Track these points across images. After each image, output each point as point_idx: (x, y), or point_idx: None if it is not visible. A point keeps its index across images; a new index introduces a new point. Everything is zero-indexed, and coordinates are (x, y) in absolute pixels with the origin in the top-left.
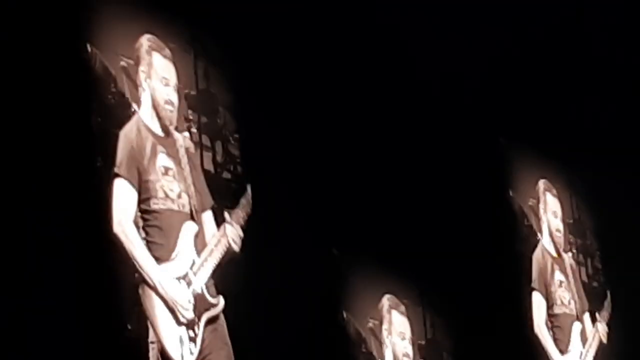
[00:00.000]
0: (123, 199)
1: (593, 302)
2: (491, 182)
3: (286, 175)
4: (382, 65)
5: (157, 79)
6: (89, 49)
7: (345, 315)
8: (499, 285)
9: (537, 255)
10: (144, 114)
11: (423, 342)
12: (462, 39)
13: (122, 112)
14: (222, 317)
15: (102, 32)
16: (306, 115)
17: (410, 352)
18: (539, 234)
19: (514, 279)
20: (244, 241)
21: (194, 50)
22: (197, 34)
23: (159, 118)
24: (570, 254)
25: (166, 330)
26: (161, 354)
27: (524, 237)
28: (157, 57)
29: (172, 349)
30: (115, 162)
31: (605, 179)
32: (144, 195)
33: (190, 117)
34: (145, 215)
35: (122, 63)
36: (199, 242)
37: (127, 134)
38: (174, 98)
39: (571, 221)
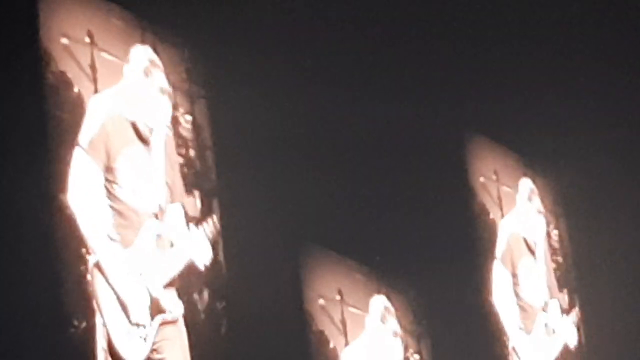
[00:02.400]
0: (85, 171)
1: (561, 295)
2: (458, 176)
3: (253, 172)
4: (346, 61)
5: (140, 71)
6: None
7: (310, 311)
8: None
9: (506, 229)
10: (122, 100)
11: None
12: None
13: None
14: (181, 321)
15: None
16: (275, 111)
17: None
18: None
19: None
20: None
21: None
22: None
23: (137, 107)
24: (541, 243)
25: (115, 323)
26: (109, 345)
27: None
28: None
29: (120, 343)
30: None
31: (572, 173)
32: (110, 177)
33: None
34: (109, 196)
35: (64, 41)
36: (161, 243)
37: (101, 112)
38: (157, 90)
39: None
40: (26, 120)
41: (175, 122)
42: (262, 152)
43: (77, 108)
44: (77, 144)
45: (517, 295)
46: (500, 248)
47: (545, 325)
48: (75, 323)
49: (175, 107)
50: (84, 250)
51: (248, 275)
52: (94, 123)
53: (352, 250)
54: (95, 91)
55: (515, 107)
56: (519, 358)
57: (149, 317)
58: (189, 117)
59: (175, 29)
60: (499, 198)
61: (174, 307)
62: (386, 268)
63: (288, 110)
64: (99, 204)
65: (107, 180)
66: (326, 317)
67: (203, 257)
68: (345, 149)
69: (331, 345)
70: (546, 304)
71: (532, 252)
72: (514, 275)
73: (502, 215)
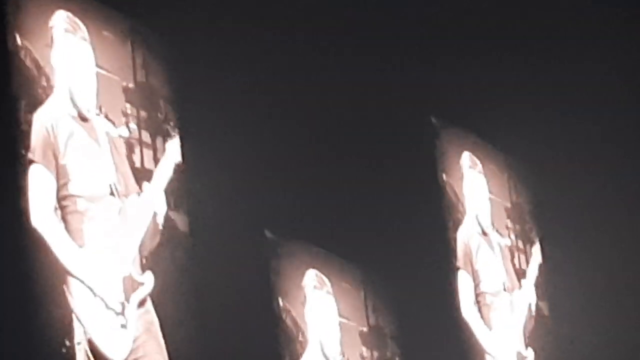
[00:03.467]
0: (40, 187)
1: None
2: (424, 164)
3: (224, 159)
4: (314, 50)
5: (72, 62)
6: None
7: (280, 302)
8: (436, 266)
9: (461, 233)
10: (60, 97)
11: (366, 329)
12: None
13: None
14: (149, 302)
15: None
16: (248, 105)
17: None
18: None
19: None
20: (177, 226)
21: (131, 41)
22: (135, 24)
23: (76, 102)
24: (496, 232)
25: (95, 323)
26: (91, 350)
27: (458, 222)
28: (71, 39)
29: (102, 342)
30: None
31: (543, 162)
32: (62, 180)
33: (129, 112)
34: (64, 202)
35: (24, 43)
36: (122, 221)
37: (40, 117)
38: (91, 81)
39: (509, 205)
40: None
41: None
42: (230, 141)
43: None
44: (29, 160)
45: (480, 294)
46: (459, 255)
47: (511, 303)
48: (68, 343)
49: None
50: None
51: (217, 269)
52: (37, 133)
53: (324, 241)
54: None
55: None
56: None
57: (124, 299)
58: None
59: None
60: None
61: (146, 278)
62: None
63: (256, 98)
64: (57, 220)
65: (61, 185)
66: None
67: (160, 209)
68: (314, 139)
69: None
70: (505, 284)
71: (485, 234)
72: (475, 273)
73: None
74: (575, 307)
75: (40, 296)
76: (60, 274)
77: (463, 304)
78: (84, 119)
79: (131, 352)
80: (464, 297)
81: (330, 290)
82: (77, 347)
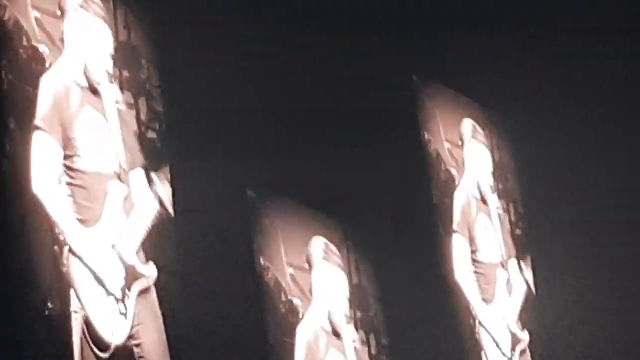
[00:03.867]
0: (45, 155)
1: (518, 250)
2: (405, 123)
3: (206, 118)
4: (296, 7)
5: (86, 34)
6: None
7: (262, 261)
8: (419, 225)
9: (460, 197)
10: (71, 68)
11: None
12: None
13: (36, 67)
14: (153, 292)
15: None
16: (229, 63)
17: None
18: (459, 178)
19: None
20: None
21: (112, 0)
22: None
23: (87, 73)
24: (495, 199)
25: (93, 303)
26: (88, 328)
27: (440, 181)
28: (86, 13)
29: (100, 323)
30: (35, 116)
31: (524, 119)
32: (68, 151)
33: (111, 72)
34: (69, 173)
35: (36, 14)
36: (128, 205)
37: (51, 86)
38: (105, 54)
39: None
40: None
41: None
42: (211, 100)
43: None
44: (35, 126)
45: (476, 262)
46: (456, 218)
47: (507, 281)
48: (50, 305)
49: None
50: (57, 230)
51: (199, 228)
52: (45, 100)
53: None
54: None
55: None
56: (486, 329)
57: (125, 287)
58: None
59: None
60: (464, 164)
61: (148, 270)
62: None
63: (237, 56)
64: (62, 191)
65: (67, 157)
66: (296, 286)
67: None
68: (295, 97)
69: (300, 315)
70: (504, 259)
71: (484, 202)
72: (472, 239)
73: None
74: (560, 276)
75: (28, 259)
76: (51, 238)
77: (457, 268)
78: (94, 90)
79: (129, 337)
80: (459, 261)
81: (339, 261)
82: (73, 315)
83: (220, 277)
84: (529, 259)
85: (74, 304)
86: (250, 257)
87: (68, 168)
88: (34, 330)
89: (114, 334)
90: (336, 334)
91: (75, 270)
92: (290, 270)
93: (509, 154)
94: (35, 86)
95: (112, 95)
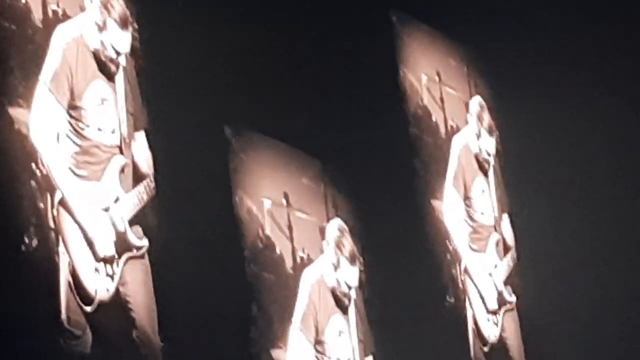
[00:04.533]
0: (46, 116)
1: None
2: (383, 60)
3: (182, 53)
4: None
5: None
6: None
7: (240, 195)
8: (397, 161)
9: (457, 149)
10: (85, 32)
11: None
12: None
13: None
14: (147, 258)
15: None
16: (208, 2)
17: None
18: (435, 114)
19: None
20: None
21: None
22: None
23: (102, 39)
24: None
25: (81, 258)
26: (73, 279)
27: (417, 116)
28: None
29: (86, 278)
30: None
31: (504, 55)
32: (74, 115)
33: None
34: (71, 133)
35: None
36: (126, 178)
37: (65, 50)
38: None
39: (469, 100)
40: None
41: None
42: (189, 35)
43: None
44: (41, 81)
45: (469, 216)
46: (452, 167)
47: (497, 244)
48: (27, 240)
49: None
50: (33, 165)
51: (175, 164)
52: (56, 55)
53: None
54: None
55: None
56: (471, 278)
57: (115, 253)
58: None
59: None
60: (442, 99)
61: (141, 242)
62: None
63: None
64: (62, 141)
65: (71, 117)
66: (273, 221)
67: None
68: (273, 34)
69: (278, 250)
70: (497, 222)
71: (484, 171)
72: (467, 198)
73: (445, 119)
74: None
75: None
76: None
77: (447, 214)
78: (108, 64)
79: (116, 292)
80: (450, 208)
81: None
82: (61, 258)
83: (196, 211)
84: (508, 217)
85: (64, 255)
86: (227, 192)
87: (72, 128)
88: (8, 265)
89: (99, 291)
90: (341, 301)
91: (64, 221)
92: (267, 205)
93: (488, 92)
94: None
95: (125, 70)
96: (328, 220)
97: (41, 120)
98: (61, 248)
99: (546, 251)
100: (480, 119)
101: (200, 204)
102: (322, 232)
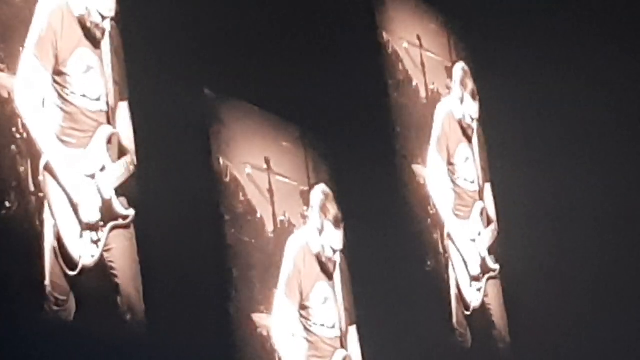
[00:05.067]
0: (30, 80)
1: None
2: (363, 25)
3: (163, 16)
4: None
5: None
6: None
7: (221, 160)
8: (377, 125)
9: (441, 115)
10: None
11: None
12: None
13: None
14: (132, 228)
15: None
16: None
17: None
18: (416, 79)
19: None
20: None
21: None
22: None
23: (87, 5)
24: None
25: (66, 224)
26: (58, 244)
27: (398, 81)
28: None
29: (70, 243)
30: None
31: (484, 20)
32: (59, 81)
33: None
34: (57, 100)
35: None
36: (112, 147)
37: (50, 16)
38: None
39: (450, 65)
40: None
41: None
42: (172, 2)
43: None
44: (25, 46)
45: (453, 182)
46: (435, 133)
47: (481, 212)
48: (7, 204)
49: None
50: (14, 129)
51: (155, 126)
52: (41, 20)
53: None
54: None
55: None
56: (454, 243)
57: (100, 220)
58: None
59: None
60: (422, 64)
61: (127, 211)
62: (311, 134)
63: None
64: (47, 105)
65: (56, 82)
66: (254, 185)
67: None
68: (257, 3)
69: (258, 214)
70: (481, 190)
71: (468, 138)
72: (450, 164)
73: (426, 83)
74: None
75: None
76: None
77: (431, 178)
78: (93, 31)
79: (100, 258)
80: (434, 172)
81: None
82: (45, 221)
83: (175, 175)
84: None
85: (49, 220)
86: (207, 156)
87: (58, 94)
88: None
89: (83, 257)
90: (326, 267)
91: (49, 187)
92: (247, 170)
93: (468, 60)
94: None
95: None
96: (309, 184)
97: (26, 85)
98: (46, 214)
99: (528, 219)
100: (463, 84)
101: (181, 170)
102: (303, 196)
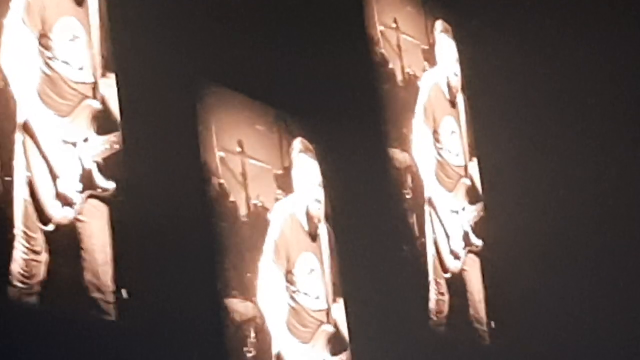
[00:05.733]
0: (21, 42)
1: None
2: (340, 7)
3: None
4: None
5: None
6: None
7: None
8: (352, 110)
9: (427, 87)
10: None
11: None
12: None
13: None
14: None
15: None
16: None
17: (321, 197)
18: (392, 61)
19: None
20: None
21: None
22: None
23: None
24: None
25: (42, 184)
26: (33, 200)
27: (373, 64)
28: None
29: (45, 201)
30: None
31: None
32: (43, 44)
33: None
34: (42, 64)
35: None
36: (96, 121)
37: None
38: None
39: (427, 47)
40: None
41: None
42: None
43: None
44: (11, 8)
45: (438, 152)
46: (421, 102)
47: (466, 188)
48: None
49: None
50: None
51: (144, 125)
52: None
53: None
54: None
55: None
56: (434, 209)
57: (79, 188)
58: None
59: None
60: (399, 47)
61: (106, 184)
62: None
63: None
64: (32, 67)
65: (41, 46)
66: (226, 170)
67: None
68: None
69: (231, 198)
70: (467, 165)
71: (454, 110)
72: (436, 133)
73: (402, 66)
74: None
75: None
76: None
77: (416, 149)
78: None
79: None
80: (419, 142)
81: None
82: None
83: (164, 167)
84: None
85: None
86: (185, 141)
87: (42, 59)
88: None
89: (57, 215)
90: (312, 234)
91: (28, 147)
92: (220, 153)
93: (451, 31)
94: None
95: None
96: (283, 167)
97: (11, 46)
98: (22, 170)
99: (513, 195)
100: (447, 56)
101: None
102: (278, 179)
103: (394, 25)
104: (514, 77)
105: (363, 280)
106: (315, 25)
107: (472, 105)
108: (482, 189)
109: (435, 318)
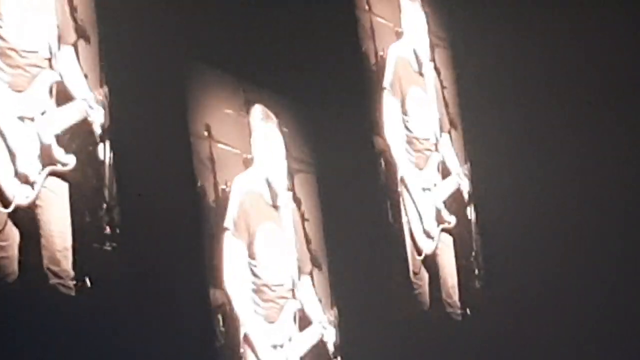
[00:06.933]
0: None
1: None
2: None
3: None
4: None
5: None
6: None
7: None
8: (324, 94)
9: (393, 56)
10: None
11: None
12: None
13: None
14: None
15: None
16: None
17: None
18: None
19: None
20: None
21: None
22: None
23: None
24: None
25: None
26: None
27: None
28: None
29: (5, 180)
30: None
31: None
32: None
33: None
34: None
35: None
36: (55, 93)
37: None
38: None
39: (400, 30)
40: None
41: None
42: None
43: None
44: None
45: (407, 128)
46: (388, 76)
47: (439, 165)
48: None
49: None
50: None
51: (133, 110)
52: None
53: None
54: None
55: None
56: (407, 190)
57: (39, 165)
58: None
59: None
60: (372, 29)
61: (66, 158)
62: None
63: None
64: None
65: None
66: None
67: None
68: None
69: (199, 183)
70: (437, 140)
71: (420, 74)
72: (403, 106)
73: (375, 49)
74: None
75: None
76: None
77: (387, 126)
78: None
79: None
80: (389, 119)
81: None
82: None
83: (152, 147)
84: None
85: None
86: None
87: None
88: None
89: (17, 197)
90: (274, 204)
91: None
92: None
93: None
94: None
95: None
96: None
97: None
98: None
99: (505, 194)
100: (417, 29)
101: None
102: (247, 164)
103: (366, 7)
104: (505, 72)
105: (346, 251)
106: (286, 9)
107: (463, 102)
108: (473, 189)
109: (417, 292)
